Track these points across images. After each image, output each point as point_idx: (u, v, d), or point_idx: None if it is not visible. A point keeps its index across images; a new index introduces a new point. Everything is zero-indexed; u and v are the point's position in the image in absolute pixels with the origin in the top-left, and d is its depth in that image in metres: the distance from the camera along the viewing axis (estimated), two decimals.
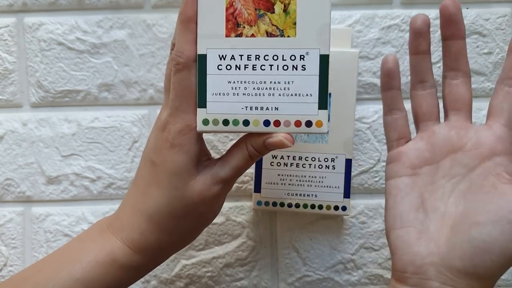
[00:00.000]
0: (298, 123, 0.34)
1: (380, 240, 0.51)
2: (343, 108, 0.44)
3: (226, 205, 0.51)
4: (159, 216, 0.36)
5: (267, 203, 0.47)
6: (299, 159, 0.46)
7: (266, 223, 0.51)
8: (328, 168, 0.46)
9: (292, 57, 0.33)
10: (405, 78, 0.50)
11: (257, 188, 0.47)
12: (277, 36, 0.33)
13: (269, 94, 0.34)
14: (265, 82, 0.34)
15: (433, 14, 0.50)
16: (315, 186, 0.46)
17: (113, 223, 0.38)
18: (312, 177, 0.46)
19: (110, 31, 0.50)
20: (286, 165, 0.46)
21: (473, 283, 0.32)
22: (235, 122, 0.34)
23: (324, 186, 0.46)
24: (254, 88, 0.34)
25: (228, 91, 0.34)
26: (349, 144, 0.45)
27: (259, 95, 0.34)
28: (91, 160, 0.51)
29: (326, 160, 0.46)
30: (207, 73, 0.34)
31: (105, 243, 0.37)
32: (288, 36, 0.33)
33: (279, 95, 0.34)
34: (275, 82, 0.34)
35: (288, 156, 0.46)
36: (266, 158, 0.46)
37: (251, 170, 0.50)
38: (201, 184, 0.35)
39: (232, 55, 0.34)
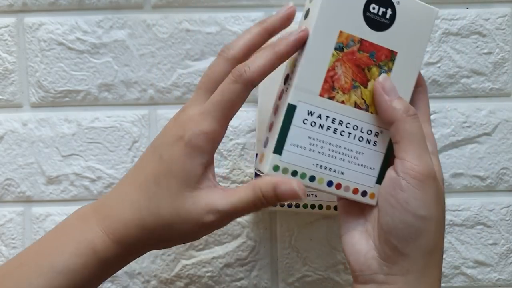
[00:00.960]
0: (355, 191, 0.37)
1: None
2: None
3: None
4: (146, 213, 0.35)
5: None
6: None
7: (266, 223, 0.51)
8: None
9: (369, 132, 0.36)
10: None
11: None
12: (362, 109, 0.36)
13: (340, 159, 0.36)
14: (340, 147, 0.36)
15: None
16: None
17: (100, 209, 0.37)
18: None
19: (110, 31, 0.50)
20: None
21: (408, 265, 0.34)
22: (303, 176, 0.36)
23: None
24: (329, 150, 0.36)
25: (306, 145, 0.36)
26: None
27: (332, 157, 0.36)
28: (91, 160, 0.51)
29: None
30: (292, 123, 0.35)
31: (86, 232, 0.36)
32: (371, 112, 0.36)
33: (348, 161, 0.36)
34: (348, 149, 0.36)
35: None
36: None
37: (251, 169, 0.50)
38: (192, 204, 0.34)
39: (320, 114, 0.36)
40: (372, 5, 0.36)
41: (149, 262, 0.51)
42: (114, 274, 0.51)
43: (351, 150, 0.36)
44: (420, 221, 0.34)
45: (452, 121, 0.51)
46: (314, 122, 0.36)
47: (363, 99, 0.36)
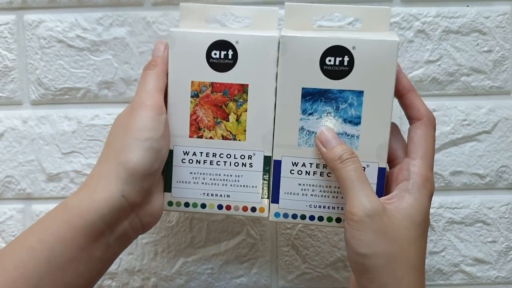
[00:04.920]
0: (245, 208, 0.42)
1: None
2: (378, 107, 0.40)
3: None
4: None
5: (286, 215, 0.42)
6: (316, 166, 0.40)
7: (266, 220, 0.51)
8: None
9: (242, 156, 0.41)
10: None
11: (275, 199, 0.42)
12: (230, 139, 0.41)
13: (223, 184, 0.42)
14: (219, 175, 0.41)
15: (432, 12, 0.50)
16: (338, 197, 0.41)
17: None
18: (335, 187, 0.41)
19: (110, 28, 0.50)
20: (308, 174, 0.40)
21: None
22: (195, 205, 0.42)
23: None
24: (210, 179, 0.42)
25: (190, 180, 0.42)
26: (383, 150, 0.39)
27: (215, 184, 0.42)
28: (91, 157, 0.51)
29: None
30: (173, 164, 0.41)
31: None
32: (239, 140, 0.41)
33: (231, 185, 0.42)
34: (227, 175, 0.41)
35: (311, 164, 0.40)
36: (285, 167, 0.41)
37: None
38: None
39: (194, 152, 0.41)
40: (214, 52, 0.40)
41: (149, 259, 0.51)
42: (114, 272, 0.51)
43: (230, 175, 0.41)
44: (363, 258, 0.35)
45: (452, 119, 0.51)
46: (192, 160, 0.41)
47: (228, 130, 0.41)
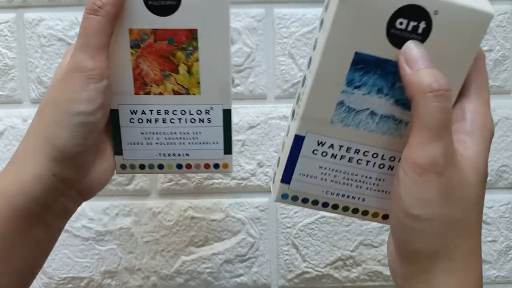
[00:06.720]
0: (207, 166, 0.39)
1: (380, 237, 0.51)
2: None
3: (226, 201, 0.51)
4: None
5: (295, 198, 0.35)
6: (347, 150, 0.33)
7: (266, 219, 0.51)
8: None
9: (198, 112, 0.37)
10: None
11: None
12: (183, 94, 0.36)
13: (180, 143, 0.38)
14: (175, 133, 0.37)
15: None
16: (362, 187, 0.35)
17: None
18: (362, 176, 0.35)
19: None
20: (334, 157, 0.33)
21: (409, 270, 0.31)
22: (151, 167, 0.38)
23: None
24: (166, 138, 0.38)
25: (142, 141, 0.38)
26: None
27: (171, 144, 0.38)
28: None
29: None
30: (120, 125, 0.37)
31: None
32: (193, 94, 0.37)
33: (189, 143, 0.38)
34: (184, 133, 0.38)
35: (341, 147, 0.33)
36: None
37: (251, 166, 0.50)
38: None
39: (143, 110, 0.37)
40: None
41: (149, 258, 0.51)
42: (114, 271, 0.51)
43: (188, 133, 0.37)
44: (414, 221, 0.28)
45: None
46: (141, 119, 0.37)
47: (180, 84, 0.36)
